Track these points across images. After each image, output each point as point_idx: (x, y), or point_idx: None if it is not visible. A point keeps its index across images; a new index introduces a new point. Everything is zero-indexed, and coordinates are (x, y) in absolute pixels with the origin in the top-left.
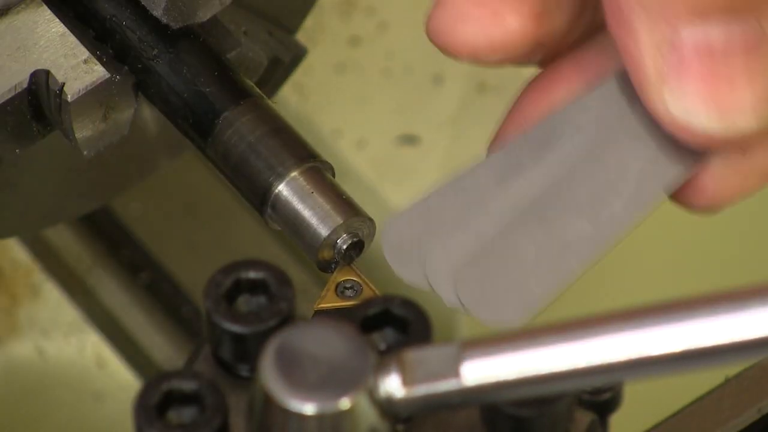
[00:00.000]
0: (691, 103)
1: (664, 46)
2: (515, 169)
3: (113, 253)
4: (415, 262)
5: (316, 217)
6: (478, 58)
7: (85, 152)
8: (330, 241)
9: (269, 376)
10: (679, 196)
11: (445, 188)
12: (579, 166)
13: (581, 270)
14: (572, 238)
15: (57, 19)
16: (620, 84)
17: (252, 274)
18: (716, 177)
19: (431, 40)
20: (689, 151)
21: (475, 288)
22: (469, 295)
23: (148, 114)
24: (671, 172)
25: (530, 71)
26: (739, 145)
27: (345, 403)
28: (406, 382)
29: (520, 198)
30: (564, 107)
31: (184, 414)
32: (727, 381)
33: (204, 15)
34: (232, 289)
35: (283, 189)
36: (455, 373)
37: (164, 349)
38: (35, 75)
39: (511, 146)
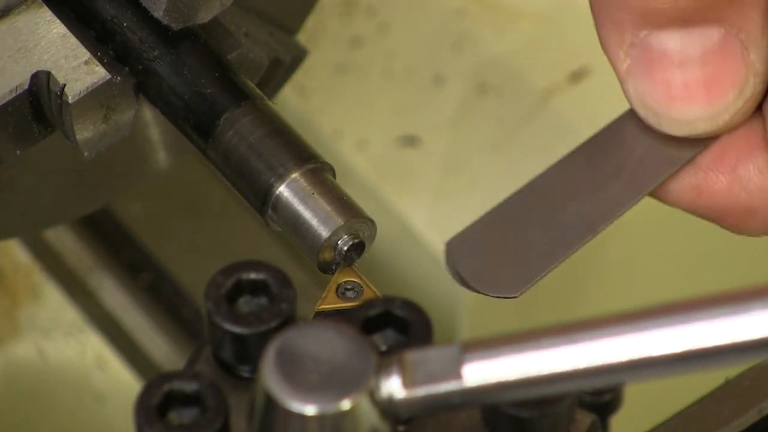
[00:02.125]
0: (640, 100)
1: (626, 48)
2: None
3: (114, 254)
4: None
5: (316, 218)
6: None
7: (85, 153)
8: (331, 243)
9: (270, 377)
10: (659, 192)
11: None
12: (586, 156)
13: (578, 246)
14: (571, 217)
15: (58, 20)
16: None
17: (253, 275)
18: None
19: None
20: (685, 141)
21: (474, 261)
22: (467, 268)
23: (149, 115)
24: (664, 160)
25: (531, 74)
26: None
27: (346, 404)
28: (407, 383)
29: (533, 188)
30: None
31: (185, 415)
32: (728, 382)
33: (205, 16)
34: (233, 290)
35: (283, 190)
36: (456, 374)
37: (165, 350)
38: (36, 76)
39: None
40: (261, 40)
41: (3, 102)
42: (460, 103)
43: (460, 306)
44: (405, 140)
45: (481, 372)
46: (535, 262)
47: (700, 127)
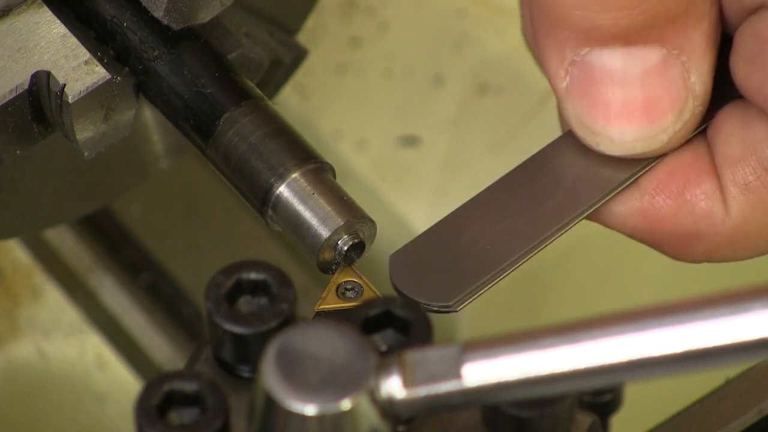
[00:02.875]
0: (578, 119)
1: (566, 66)
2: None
3: (114, 254)
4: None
5: (316, 218)
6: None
7: (85, 153)
8: (331, 243)
9: (270, 377)
10: (598, 215)
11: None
12: (526, 173)
13: (516, 260)
14: (506, 232)
15: (58, 21)
16: None
17: (253, 275)
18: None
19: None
20: (622, 162)
21: (413, 273)
22: (406, 279)
23: (149, 115)
24: (600, 180)
25: (531, 74)
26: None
27: (346, 404)
28: (407, 383)
29: (474, 204)
30: None
31: (186, 415)
32: (728, 382)
33: (205, 16)
34: (233, 290)
35: (283, 190)
36: (456, 374)
37: (165, 350)
38: (36, 76)
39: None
40: (261, 40)
41: (3, 102)
42: (460, 103)
43: None
44: (405, 140)
45: (481, 372)
46: (468, 274)
47: (638, 148)
